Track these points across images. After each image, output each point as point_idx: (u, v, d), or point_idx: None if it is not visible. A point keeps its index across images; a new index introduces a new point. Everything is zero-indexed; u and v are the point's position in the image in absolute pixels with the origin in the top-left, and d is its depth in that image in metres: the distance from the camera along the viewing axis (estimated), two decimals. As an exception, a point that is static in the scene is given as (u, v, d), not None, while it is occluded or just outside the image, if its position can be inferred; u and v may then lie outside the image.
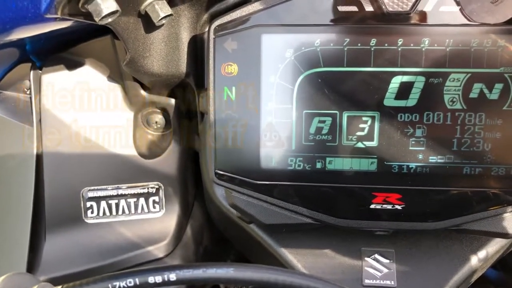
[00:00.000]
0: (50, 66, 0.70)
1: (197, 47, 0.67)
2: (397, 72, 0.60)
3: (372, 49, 0.59)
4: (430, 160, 0.61)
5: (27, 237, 0.69)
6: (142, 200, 0.74)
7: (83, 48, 0.70)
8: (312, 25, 0.59)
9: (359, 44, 0.59)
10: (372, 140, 0.62)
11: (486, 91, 0.60)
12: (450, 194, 0.61)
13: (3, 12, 0.49)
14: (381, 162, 0.62)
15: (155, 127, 0.74)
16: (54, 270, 0.70)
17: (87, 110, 0.70)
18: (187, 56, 0.67)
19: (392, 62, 0.59)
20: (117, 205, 0.73)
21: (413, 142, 0.61)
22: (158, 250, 0.73)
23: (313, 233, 0.68)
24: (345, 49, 0.60)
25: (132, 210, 0.74)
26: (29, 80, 0.70)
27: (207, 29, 0.64)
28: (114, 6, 0.49)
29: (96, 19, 0.49)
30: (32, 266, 0.70)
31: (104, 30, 0.66)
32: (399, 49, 0.59)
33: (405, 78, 0.60)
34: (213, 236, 0.85)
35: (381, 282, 0.65)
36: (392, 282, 0.64)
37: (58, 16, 0.49)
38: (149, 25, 0.61)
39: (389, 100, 0.60)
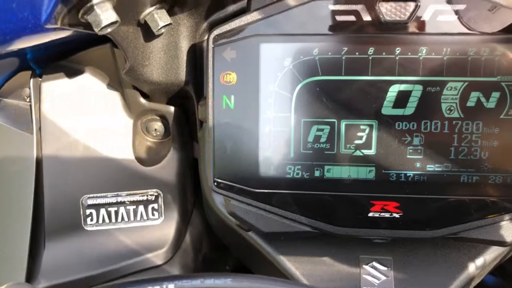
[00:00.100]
0: (50, 74, 0.70)
1: (196, 56, 0.68)
2: (395, 80, 0.60)
3: (370, 58, 0.60)
4: (427, 169, 0.62)
5: (27, 245, 0.69)
6: (141, 208, 0.74)
7: (82, 56, 0.71)
8: (310, 35, 0.60)
9: (357, 53, 0.60)
10: (370, 148, 0.62)
11: (483, 99, 0.60)
12: (447, 202, 0.61)
13: (3, 23, 0.49)
14: (379, 171, 0.62)
15: (155, 134, 0.74)
16: (54, 277, 0.70)
17: (87, 117, 0.71)
18: (186, 65, 0.67)
19: (390, 71, 0.60)
20: (116, 212, 0.73)
21: (410, 151, 0.61)
22: (157, 257, 0.74)
23: (312, 241, 0.68)
24: (343, 58, 0.60)
25: (132, 218, 0.74)
26: (29, 88, 0.70)
27: (206, 38, 0.65)
28: (113, 17, 0.49)
29: (96, 30, 0.50)
30: (31, 273, 0.70)
31: (103, 39, 0.67)
32: (397, 58, 0.59)
33: (403, 87, 0.60)
34: (212, 243, 0.85)
35: (379, 289, 0.65)
36: (390, 290, 0.65)
37: (58, 26, 0.50)
38: (149, 34, 0.61)
39: (387, 109, 0.61)
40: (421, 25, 0.59)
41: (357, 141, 0.62)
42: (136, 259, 0.73)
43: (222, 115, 0.62)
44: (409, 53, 0.59)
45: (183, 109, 0.74)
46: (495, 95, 0.60)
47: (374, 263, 0.67)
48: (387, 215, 0.62)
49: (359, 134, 0.62)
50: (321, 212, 0.63)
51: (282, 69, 0.61)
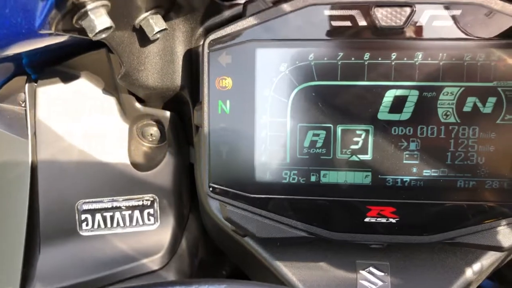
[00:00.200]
0: (45, 78, 0.70)
1: (192, 61, 0.68)
2: (391, 86, 0.60)
3: (366, 63, 0.60)
4: (424, 174, 0.61)
5: (21, 250, 0.69)
6: (137, 213, 0.74)
7: (78, 61, 0.71)
8: (306, 40, 0.60)
9: (352, 58, 0.60)
10: (366, 153, 0.62)
11: (479, 104, 0.60)
12: (444, 208, 0.61)
13: (-3, 29, 0.49)
14: (376, 176, 0.62)
15: (150, 139, 0.74)
16: (49, 283, 0.70)
17: (82, 122, 0.70)
18: (182, 70, 0.67)
19: (386, 76, 0.60)
20: (112, 217, 0.73)
21: (407, 156, 0.61)
22: (152, 262, 0.73)
23: (308, 246, 0.68)
24: (339, 63, 0.60)
25: (127, 223, 0.73)
26: (24, 93, 0.70)
27: (202, 43, 0.64)
28: (108, 22, 0.49)
29: (90, 35, 0.50)
30: (26, 279, 0.70)
31: (99, 43, 0.66)
32: (393, 63, 0.59)
33: (399, 92, 0.60)
34: (208, 248, 0.84)
35: (376, 295, 0.65)
36: (387, 295, 0.65)
37: (52, 32, 0.49)
38: (144, 39, 0.61)
39: (383, 114, 0.61)
40: (417, 30, 0.58)
41: (353, 146, 0.62)
42: (132, 264, 0.73)
43: (218, 120, 0.62)
44: (405, 58, 0.59)
45: (179, 114, 0.74)
46: (492, 100, 0.59)
47: (371, 268, 0.66)
48: (383, 220, 0.62)
49: (355, 139, 0.62)
50: (317, 217, 0.63)
51: (278, 74, 0.61)
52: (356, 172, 0.62)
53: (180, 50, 0.66)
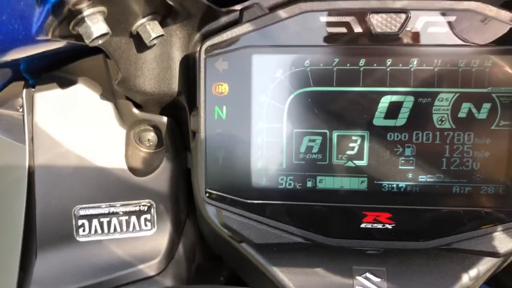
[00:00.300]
0: (43, 84, 0.70)
1: (189, 67, 0.68)
2: (386, 92, 0.60)
3: (361, 69, 0.60)
4: (419, 179, 0.62)
5: (18, 255, 0.69)
6: (133, 218, 0.74)
7: (75, 67, 0.71)
8: (302, 46, 0.60)
9: (348, 64, 0.60)
10: (362, 159, 0.62)
11: (474, 110, 0.60)
12: (440, 213, 0.61)
13: (-7, 35, 0.50)
14: (371, 181, 0.62)
15: (148, 144, 0.74)
16: (45, 288, 0.70)
17: (79, 128, 0.70)
18: (179, 75, 0.67)
19: (381, 82, 0.60)
20: (109, 223, 0.73)
21: (402, 161, 0.61)
22: (149, 268, 0.73)
23: (305, 252, 0.68)
24: (335, 69, 0.60)
25: (124, 228, 0.74)
26: (22, 98, 0.70)
27: (198, 49, 0.65)
28: (104, 29, 0.49)
29: (87, 41, 0.50)
30: (22, 284, 0.70)
31: (96, 49, 0.67)
32: (388, 69, 0.60)
33: (394, 98, 0.60)
34: (205, 254, 0.84)
35: (372, 301, 0.65)
36: (384, 301, 0.65)
37: (49, 38, 0.50)
38: (141, 45, 0.61)
39: (379, 120, 0.61)
40: (412, 36, 0.59)
41: (349, 152, 0.62)
42: (129, 270, 0.73)
43: (214, 125, 0.62)
44: (400, 64, 0.59)
45: (176, 119, 0.74)
46: (486, 106, 0.60)
47: (367, 274, 0.66)
48: (379, 226, 0.62)
49: (351, 144, 0.62)
50: (313, 223, 0.63)
51: (274, 80, 0.61)
52: (352, 177, 0.62)
53: (177, 56, 0.66)
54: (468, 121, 0.60)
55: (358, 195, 0.62)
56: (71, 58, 0.70)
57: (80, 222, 0.72)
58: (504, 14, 0.58)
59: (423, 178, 0.62)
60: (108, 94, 0.71)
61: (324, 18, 0.59)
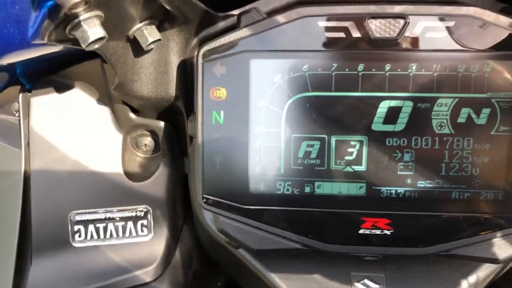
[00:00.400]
0: (39, 88, 0.70)
1: (186, 71, 0.68)
2: (385, 97, 0.60)
3: (360, 74, 0.60)
4: (418, 185, 0.61)
5: (13, 261, 0.68)
6: (130, 224, 0.73)
7: (72, 71, 0.71)
8: (300, 51, 0.60)
9: (346, 69, 0.60)
10: (361, 164, 0.62)
11: (473, 115, 0.60)
12: (439, 219, 0.61)
13: (-11, 39, 0.49)
14: (370, 187, 0.62)
15: (144, 149, 0.73)
16: (40, 294, 0.69)
17: (76, 132, 0.70)
18: (177, 80, 0.67)
19: (380, 87, 0.60)
20: (105, 228, 0.72)
21: (401, 167, 0.61)
22: (146, 274, 0.73)
23: (302, 258, 0.67)
24: (333, 74, 0.60)
25: (120, 234, 0.73)
26: (18, 103, 0.70)
27: (196, 54, 0.64)
28: (100, 33, 0.49)
29: (83, 46, 0.49)
30: (17, 290, 0.69)
31: (93, 53, 0.66)
32: (387, 74, 0.59)
33: (393, 103, 0.60)
34: (202, 259, 0.84)
35: (371, 307, 0.64)
36: (382, 307, 0.64)
37: (45, 42, 0.49)
38: (138, 49, 0.61)
39: (377, 125, 0.61)
40: (411, 41, 0.59)
41: (347, 157, 0.62)
42: (125, 276, 0.72)
43: (212, 130, 0.62)
44: (399, 70, 0.59)
45: (173, 124, 0.74)
46: (486, 111, 0.59)
47: (366, 281, 0.66)
48: (378, 232, 0.61)
49: (350, 150, 0.61)
50: (311, 229, 0.62)
51: (272, 84, 0.61)
52: (351, 183, 0.62)
53: (174, 61, 0.66)
54: (468, 126, 0.60)
55: (356, 201, 0.62)
56: (68, 62, 0.70)
57: (76, 227, 0.71)
58: (503, 19, 0.58)
59: (422, 183, 0.61)
60: (105, 98, 0.70)
61: (322, 23, 0.59)
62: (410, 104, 0.60)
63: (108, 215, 0.72)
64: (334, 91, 0.60)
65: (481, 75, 0.59)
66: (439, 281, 0.66)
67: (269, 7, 0.65)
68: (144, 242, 0.74)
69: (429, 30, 0.58)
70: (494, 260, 0.62)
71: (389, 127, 0.61)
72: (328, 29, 0.59)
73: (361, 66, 0.59)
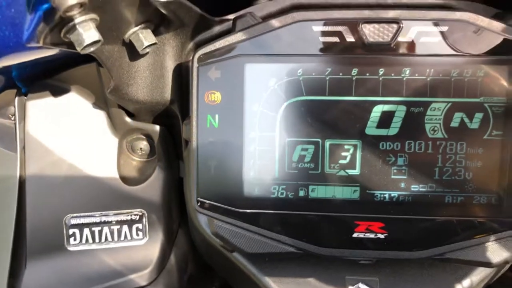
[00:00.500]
0: (35, 92, 0.70)
1: (182, 75, 0.68)
2: (379, 101, 0.60)
3: (354, 78, 0.60)
4: (412, 189, 0.61)
5: (7, 264, 0.68)
6: (125, 228, 0.73)
7: (68, 75, 0.71)
8: (294, 55, 0.60)
9: (340, 74, 0.60)
10: (355, 168, 0.62)
11: (466, 120, 0.60)
12: (432, 223, 0.61)
13: (-16, 41, 0.49)
14: (364, 191, 0.62)
15: (140, 153, 0.73)
16: (35, 298, 0.69)
17: (72, 136, 0.70)
18: (172, 84, 0.67)
19: (374, 91, 0.60)
20: (100, 232, 0.72)
21: (395, 171, 0.61)
22: (141, 278, 0.72)
23: (297, 262, 0.67)
24: (327, 78, 0.60)
25: (115, 238, 0.73)
26: (14, 106, 0.70)
27: (191, 57, 0.65)
28: (96, 36, 0.49)
29: (78, 49, 0.50)
30: (12, 294, 0.69)
31: (89, 57, 0.67)
32: (380, 79, 0.60)
33: (387, 107, 0.60)
34: (197, 263, 0.84)
35: (365, 311, 0.64)
36: (376, 311, 0.64)
37: (40, 45, 0.49)
38: (134, 53, 0.61)
39: (371, 129, 0.61)
40: (404, 46, 0.59)
41: (341, 161, 0.62)
42: (120, 280, 0.72)
43: (206, 134, 0.62)
44: (393, 74, 0.60)
45: (169, 128, 0.74)
46: (479, 115, 0.60)
47: (360, 285, 0.66)
48: (371, 235, 0.62)
49: (343, 154, 0.62)
50: (305, 233, 0.62)
51: (267, 89, 0.61)
52: (345, 187, 0.62)
53: (170, 65, 0.66)
54: (461, 130, 0.60)
55: (350, 205, 0.62)
56: (64, 66, 0.70)
57: (71, 231, 0.71)
58: (496, 24, 0.58)
59: (416, 187, 0.61)
60: (100, 102, 0.71)
61: (316, 28, 0.59)
62: (403, 108, 0.60)
63: (103, 218, 0.72)
64: (328, 95, 0.61)
65: (474, 79, 0.59)
66: (434, 285, 0.66)
67: (264, 12, 0.65)
68: (139, 246, 0.74)
69: (423, 35, 0.59)
70: (488, 264, 0.62)
71: (382, 131, 0.61)
72: (322, 33, 0.59)
73: (355, 71, 0.60)
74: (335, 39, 0.59)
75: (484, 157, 0.60)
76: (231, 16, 0.66)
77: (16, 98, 0.70)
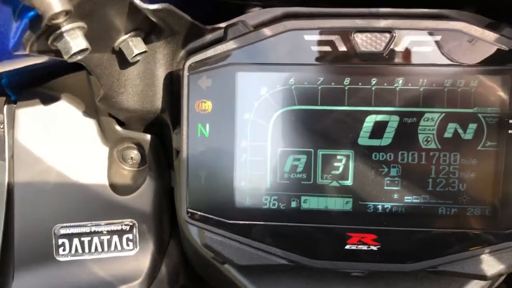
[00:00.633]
0: (24, 100, 0.69)
1: (173, 84, 0.67)
2: (371, 111, 0.60)
3: (346, 88, 0.59)
4: (405, 200, 0.61)
5: (-5, 275, 0.67)
6: (115, 238, 0.72)
7: (58, 83, 0.70)
8: (286, 64, 0.59)
9: (332, 83, 0.59)
10: (347, 179, 0.61)
11: (460, 131, 0.59)
12: (426, 235, 0.60)
13: (-31, 49, 0.49)
14: (356, 202, 0.61)
15: (131, 163, 0.73)
16: (22, 310, 0.68)
17: (61, 145, 0.69)
18: (163, 92, 0.66)
19: (366, 101, 0.59)
20: (90, 242, 0.71)
21: (388, 182, 0.61)
22: (131, 289, 0.72)
23: (289, 274, 0.66)
24: (319, 87, 0.60)
25: (105, 248, 0.72)
26: (3, 114, 0.69)
27: (182, 66, 0.64)
28: (83, 44, 0.49)
29: (65, 57, 0.49)
30: (-2, 306, 0.68)
31: (80, 65, 0.66)
32: (373, 89, 0.59)
33: (379, 117, 0.60)
34: (189, 274, 0.83)
35: (358, 324, 0.63)
36: (369, 325, 0.63)
37: (27, 53, 0.49)
38: (124, 61, 0.60)
39: (364, 139, 0.60)
40: (397, 56, 0.58)
41: (334, 172, 0.61)
42: (110, 291, 0.71)
43: (197, 143, 0.61)
44: (385, 84, 0.59)
45: (160, 137, 0.73)
46: (472, 126, 0.59)
47: (353, 297, 0.65)
48: (364, 247, 0.61)
49: (336, 164, 0.61)
50: (297, 245, 0.62)
51: (259, 98, 0.61)
52: (337, 198, 0.61)
53: (160, 73, 0.65)
54: (454, 141, 0.60)
55: (343, 216, 0.61)
56: (54, 74, 0.69)
57: (60, 241, 0.70)
58: (489, 34, 0.58)
59: (409, 199, 0.61)
60: (91, 111, 0.70)
61: (308, 37, 0.59)
62: (396, 118, 0.60)
63: (93, 228, 0.71)
64: (320, 104, 0.60)
65: (468, 90, 0.59)
66: None
67: (256, 20, 0.64)
68: (129, 257, 0.73)
69: (415, 44, 0.58)
70: (482, 277, 0.61)
71: (375, 142, 0.60)
72: (314, 42, 0.59)
73: (347, 80, 0.59)
74: (327, 48, 0.59)
75: (477, 168, 0.60)
76: (223, 25, 0.65)
77: (5, 106, 0.69)
